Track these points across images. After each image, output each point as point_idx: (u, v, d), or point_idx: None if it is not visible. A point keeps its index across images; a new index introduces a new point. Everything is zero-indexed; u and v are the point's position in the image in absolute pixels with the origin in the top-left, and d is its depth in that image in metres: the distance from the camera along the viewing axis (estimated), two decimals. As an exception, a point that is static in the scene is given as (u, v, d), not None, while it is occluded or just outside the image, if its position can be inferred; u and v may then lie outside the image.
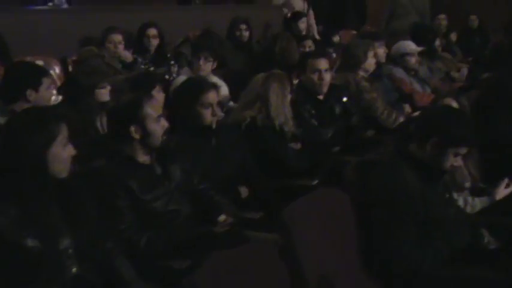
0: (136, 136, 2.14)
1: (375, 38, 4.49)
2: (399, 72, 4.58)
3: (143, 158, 2.20)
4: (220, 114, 2.86)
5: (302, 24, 5.77)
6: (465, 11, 7.94)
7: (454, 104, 2.83)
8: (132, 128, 2.13)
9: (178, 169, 2.31)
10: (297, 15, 5.89)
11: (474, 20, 7.78)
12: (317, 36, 6.27)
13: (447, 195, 2.26)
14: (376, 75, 4.27)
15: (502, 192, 2.54)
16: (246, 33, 5.36)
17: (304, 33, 5.70)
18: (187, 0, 7.23)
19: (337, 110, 3.56)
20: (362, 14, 8.04)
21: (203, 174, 2.50)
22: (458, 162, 2.13)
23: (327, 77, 3.38)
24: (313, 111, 3.43)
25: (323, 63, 3.36)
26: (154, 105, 2.21)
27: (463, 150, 2.10)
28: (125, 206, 2.11)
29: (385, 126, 3.75)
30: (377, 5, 8.24)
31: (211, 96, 2.65)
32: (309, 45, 4.98)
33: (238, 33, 5.33)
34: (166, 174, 2.26)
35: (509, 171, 2.63)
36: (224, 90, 4.13)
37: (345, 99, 3.62)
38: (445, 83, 5.11)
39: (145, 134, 2.14)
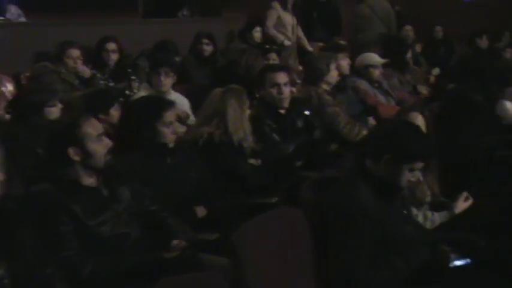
0: (76, 158, 2.03)
1: (339, 50, 4.47)
2: (363, 84, 4.56)
3: (88, 180, 2.10)
4: (180, 131, 2.77)
5: (257, 34, 5.72)
6: (430, 22, 8.02)
7: (419, 118, 2.78)
8: (71, 150, 2.02)
9: (128, 190, 2.21)
10: (252, 25, 5.83)
11: (439, 31, 7.88)
12: (309, 48, 6.21)
13: (405, 212, 2.20)
14: (340, 88, 4.24)
15: (461, 205, 2.50)
16: (209, 48, 5.28)
17: (259, 41, 5.64)
18: (173, 13, 7.20)
19: (299, 124, 3.50)
20: (334, 26, 8.01)
21: (156, 194, 2.40)
22: (415, 177, 2.08)
23: (287, 91, 3.31)
24: (274, 126, 3.35)
25: (282, 77, 3.30)
26: (94, 124, 2.11)
27: (419, 165, 2.05)
28: (68, 232, 1.99)
29: (348, 139, 3.69)
30: (350, 17, 8.29)
31: (172, 115, 2.62)
32: (273, 58, 4.92)
33: (200, 48, 5.26)
34: (114, 196, 2.15)
35: (469, 185, 2.60)
36: (185, 106, 4.05)
37: (307, 112, 3.56)
38: (411, 95, 5.11)
39: (86, 155, 2.04)
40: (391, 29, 6.61)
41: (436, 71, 6.94)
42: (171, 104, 2.71)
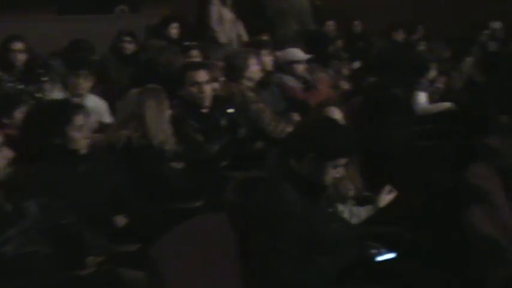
0: (-31, 173, 1.82)
1: (261, 46, 4.40)
2: (290, 81, 4.53)
3: (-13, 196, 1.89)
4: (89, 135, 2.57)
5: (174, 30, 5.55)
6: (350, 17, 8.17)
7: (337, 112, 2.78)
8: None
9: (35, 204, 2.02)
10: (168, 20, 5.66)
11: (357, 25, 8.04)
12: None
13: (331, 209, 2.17)
14: (264, 84, 4.18)
15: (384, 199, 2.51)
16: (131, 46, 5.08)
17: (175, 38, 5.48)
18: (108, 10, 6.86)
19: (223, 122, 3.40)
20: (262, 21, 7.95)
21: (68, 206, 2.21)
22: (339, 173, 2.05)
23: (208, 89, 3.21)
24: (196, 126, 3.23)
25: (202, 75, 3.19)
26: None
27: (342, 162, 2.02)
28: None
29: (273, 137, 3.64)
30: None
31: (83, 118, 2.43)
32: (194, 55, 4.78)
33: (121, 46, 5.04)
34: (19, 211, 1.95)
35: (391, 177, 2.62)
36: (103, 109, 3.84)
37: (230, 110, 3.47)
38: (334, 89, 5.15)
39: (-19, 170, 1.83)
40: (308, 24, 6.63)
41: (356, 64, 7.10)
42: (81, 106, 2.55)
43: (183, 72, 3.25)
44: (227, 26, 5.98)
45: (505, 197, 2.41)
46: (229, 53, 4.01)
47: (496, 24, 6.90)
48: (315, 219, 1.96)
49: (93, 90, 3.87)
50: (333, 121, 2.23)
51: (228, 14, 6.00)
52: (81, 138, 2.41)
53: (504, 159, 2.65)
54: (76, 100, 3.34)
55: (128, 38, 5.07)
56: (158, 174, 2.78)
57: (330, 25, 7.54)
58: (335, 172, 2.02)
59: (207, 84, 3.21)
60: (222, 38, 5.84)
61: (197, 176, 2.96)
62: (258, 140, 3.66)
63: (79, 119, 2.40)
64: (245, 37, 6.18)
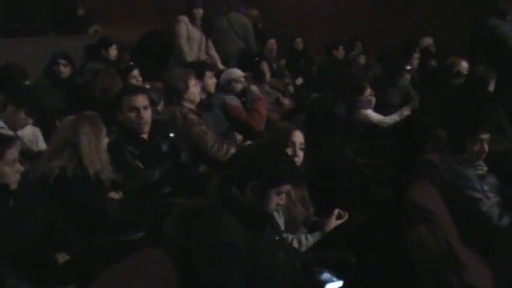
0: None
1: (204, 68, 4.33)
2: (233, 100, 4.49)
3: None
4: (21, 169, 2.41)
5: (113, 52, 5.41)
6: (292, 35, 8.27)
7: (299, 134, 2.66)
8: None
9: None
10: (106, 42, 5.51)
11: (299, 43, 8.15)
12: (221, 67, 5.84)
13: (277, 238, 2.11)
14: (206, 106, 4.12)
15: (332, 223, 2.48)
16: (66, 69, 4.88)
17: (114, 59, 5.34)
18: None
19: (164, 147, 3.28)
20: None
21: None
22: (282, 200, 2.00)
23: (146, 114, 3.09)
24: (136, 152, 3.11)
25: (140, 101, 3.07)
26: None
27: (286, 188, 1.97)
28: None
29: (216, 159, 3.56)
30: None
31: (15, 152, 2.30)
32: (134, 75, 4.65)
33: (56, 69, 4.83)
34: None
35: (340, 200, 2.60)
36: (38, 136, 3.64)
37: (171, 134, 3.37)
38: (274, 106, 5.15)
39: None
40: (248, 42, 6.66)
41: (299, 80, 7.16)
42: (13, 139, 2.40)
43: (121, 96, 3.12)
44: (196, 45, 5.88)
45: (447, 213, 2.46)
46: (169, 75, 3.89)
47: (428, 40, 7.16)
48: (259, 250, 1.89)
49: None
50: (273, 146, 2.18)
51: (197, 34, 5.90)
52: (12, 173, 2.28)
53: (443, 174, 2.72)
54: (8, 132, 3.16)
55: (63, 61, 4.88)
56: (94, 206, 2.63)
57: (272, 43, 7.62)
58: (279, 199, 1.97)
59: (145, 110, 3.09)
60: (190, 58, 5.73)
61: (137, 205, 2.84)
62: (201, 164, 3.57)
63: (11, 153, 2.27)
64: (216, 57, 6.10)
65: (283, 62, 7.55)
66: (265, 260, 1.90)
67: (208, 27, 6.08)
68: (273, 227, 2.12)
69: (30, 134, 3.56)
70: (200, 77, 4.04)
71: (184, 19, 5.80)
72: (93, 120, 2.72)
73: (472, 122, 2.73)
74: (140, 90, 3.26)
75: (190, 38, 5.82)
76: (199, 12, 5.87)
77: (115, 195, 2.78)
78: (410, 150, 3.40)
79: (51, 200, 2.52)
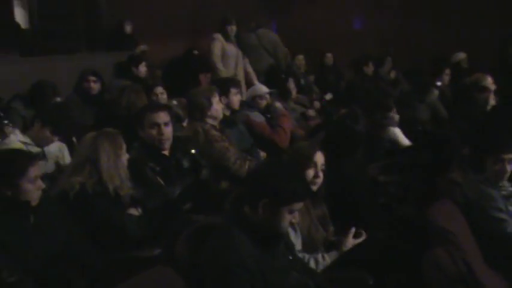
0: None
1: (230, 85, 4.35)
2: (257, 117, 4.50)
3: None
4: (42, 185, 2.46)
5: (143, 68, 5.51)
6: (321, 50, 8.27)
7: (319, 156, 2.63)
8: None
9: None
10: (138, 59, 5.61)
11: (329, 58, 8.13)
12: (256, 83, 5.79)
13: (290, 257, 2.08)
14: (229, 122, 4.13)
15: (349, 242, 2.43)
16: (96, 85, 4.98)
17: (143, 76, 5.42)
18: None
19: (185, 164, 3.30)
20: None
21: (16, 262, 2.09)
22: (295, 218, 1.98)
23: (167, 131, 3.12)
24: (157, 169, 3.13)
25: (162, 117, 3.10)
26: None
27: (298, 206, 1.95)
28: None
29: (238, 176, 3.55)
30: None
31: (37, 169, 2.36)
32: (160, 91, 4.73)
33: (86, 86, 4.94)
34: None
35: (360, 219, 2.54)
36: (64, 152, 3.72)
37: (193, 151, 3.39)
38: (299, 122, 5.13)
39: None
40: (278, 59, 6.68)
41: (328, 96, 7.13)
42: (35, 157, 2.48)
43: (143, 113, 3.17)
44: (232, 62, 5.95)
45: (469, 233, 2.38)
46: (192, 91, 3.93)
47: (461, 56, 7.01)
48: (271, 270, 1.87)
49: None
50: (285, 164, 2.17)
51: (232, 50, 5.96)
52: (34, 190, 2.33)
53: (466, 193, 2.63)
54: (34, 149, 3.24)
55: (93, 78, 4.98)
56: (113, 221, 2.66)
57: (300, 59, 7.64)
58: (291, 217, 1.95)
59: (166, 126, 3.12)
60: (225, 75, 5.79)
61: (157, 222, 2.85)
62: (223, 180, 3.57)
63: (33, 171, 2.33)
64: (252, 73, 6.16)
65: (312, 77, 7.53)
66: (277, 279, 1.88)
67: (240, 44, 6.16)
68: (287, 245, 2.09)
69: (57, 150, 3.63)
70: (225, 93, 4.06)
71: (218, 37, 5.89)
72: (112, 137, 2.76)
73: (495, 140, 2.65)
74: (161, 107, 3.30)
75: (226, 55, 5.90)
76: (233, 29, 5.95)
77: (134, 211, 2.80)
78: (437, 169, 3.31)
79: (71, 216, 2.56)
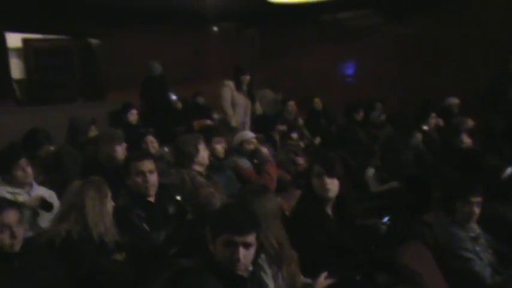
0: None
1: (212, 133, 4.49)
2: (244, 163, 4.63)
3: None
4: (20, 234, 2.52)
5: (132, 116, 5.67)
6: (311, 96, 8.51)
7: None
8: None
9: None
10: (127, 107, 5.79)
11: (318, 103, 8.35)
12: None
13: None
14: (216, 168, 4.25)
15: (320, 285, 2.51)
16: (94, 135, 5.12)
17: (134, 123, 5.58)
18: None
19: (171, 210, 3.41)
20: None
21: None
22: (251, 254, 2.08)
23: (152, 178, 3.25)
24: (143, 215, 3.23)
25: (146, 165, 3.24)
26: None
27: (250, 239, 2.05)
28: None
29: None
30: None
31: (10, 217, 2.42)
32: (151, 140, 4.87)
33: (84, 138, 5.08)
34: None
35: (326, 264, 2.62)
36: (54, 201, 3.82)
37: (178, 197, 3.50)
38: (288, 167, 5.24)
39: None
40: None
41: (317, 140, 7.28)
42: (8, 204, 2.50)
43: (128, 162, 3.31)
44: (240, 110, 6.13)
45: (438, 273, 2.46)
46: (179, 139, 4.07)
47: (454, 101, 7.19)
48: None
49: (44, 182, 3.88)
50: (241, 201, 2.29)
51: (241, 100, 6.15)
52: (6, 237, 2.38)
53: (436, 235, 2.73)
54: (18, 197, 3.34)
55: (92, 127, 5.13)
56: (98, 266, 2.74)
57: (291, 105, 7.84)
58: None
59: (151, 174, 3.25)
60: (233, 122, 5.97)
61: (142, 267, 2.93)
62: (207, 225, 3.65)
63: (2, 219, 2.37)
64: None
65: (301, 121, 7.73)
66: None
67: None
68: (260, 286, 2.17)
69: (46, 196, 3.74)
70: (207, 141, 4.20)
71: (229, 84, 6.09)
72: (98, 185, 2.87)
73: (463, 184, 2.76)
74: (146, 155, 3.43)
75: (236, 102, 6.09)
76: (246, 79, 6.16)
77: (118, 256, 2.89)
78: (415, 211, 3.41)
79: (58, 263, 2.64)
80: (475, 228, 2.75)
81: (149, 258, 3.04)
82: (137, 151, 4.23)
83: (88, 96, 7.48)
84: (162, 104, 6.53)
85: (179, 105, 6.88)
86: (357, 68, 10.23)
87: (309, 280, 2.58)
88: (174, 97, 6.99)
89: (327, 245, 2.62)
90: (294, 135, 6.23)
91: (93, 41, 8.13)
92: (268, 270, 2.40)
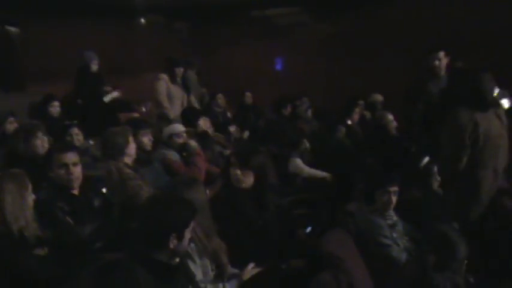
0: None
1: (138, 126, 4.42)
2: (174, 155, 4.60)
3: None
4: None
5: (53, 109, 5.49)
6: (240, 90, 8.57)
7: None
8: None
9: None
10: (48, 99, 5.58)
11: (248, 97, 8.42)
12: None
13: (190, 287, 2.18)
14: (144, 161, 4.20)
15: (248, 272, 2.56)
16: (12, 127, 4.89)
17: (56, 116, 5.39)
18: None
19: (96, 203, 3.33)
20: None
21: None
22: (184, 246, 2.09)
23: (76, 170, 3.16)
24: (67, 209, 3.14)
25: (70, 157, 3.15)
26: None
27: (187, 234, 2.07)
28: None
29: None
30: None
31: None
32: (75, 132, 4.72)
33: (3, 128, 4.84)
34: None
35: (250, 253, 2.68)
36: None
37: (104, 190, 3.42)
38: (217, 160, 5.27)
39: None
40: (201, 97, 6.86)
41: (246, 134, 7.36)
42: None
43: (51, 154, 3.19)
44: (178, 102, 6.05)
45: (359, 258, 2.58)
46: (109, 131, 3.96)
47: (377, 97, 7.48)
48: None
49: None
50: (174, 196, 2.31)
51: (178, 92, 6.06)
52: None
53: (358, 221, 2.87)
54: None
55: (11, 119, 4.91)
56: (18, 263, 2.63)
57: (220, 98, 7.85)
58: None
59: (75, 166, 3.16)
60: (171, 115, 5.87)
61: (66, 262, 2.84)
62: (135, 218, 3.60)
63: None
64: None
65: (228, 114, 7.78)
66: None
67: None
68: (187, 275, 2.19)
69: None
70: (134, 134, 4.13)
71: (164, 77, 5.99)
72: (17, 177, 2.76)
73: (381, 175, 2.92)
74: (70, 147, 3.33)
75: (172, 95, 6.01)
76: (180, 71, 6.10)
77: (40, 251, 2.79)
78: (338, 201, 3.55)
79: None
80: (392, 216, 2.92)
81: (73, 253, 2.96)
82: (61, 143, 4.08)
83: (6, 87, 7.09)
84: (96, 97, 6.34)
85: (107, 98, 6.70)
86: (285, 64, 10.42)
87: (236, 270, 2.62)
88: (110, 90, 6.82)
89: (247, 235, 2.68)
90: (232, 129, 6.26)
91: (12, 29, 7.75)
92: (197, 260, 2.41)
